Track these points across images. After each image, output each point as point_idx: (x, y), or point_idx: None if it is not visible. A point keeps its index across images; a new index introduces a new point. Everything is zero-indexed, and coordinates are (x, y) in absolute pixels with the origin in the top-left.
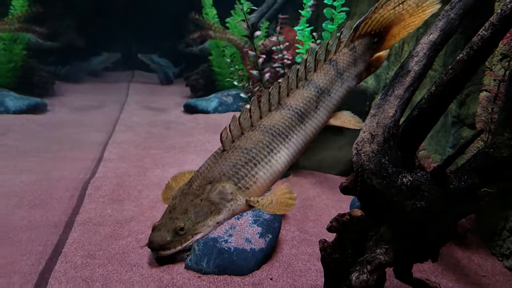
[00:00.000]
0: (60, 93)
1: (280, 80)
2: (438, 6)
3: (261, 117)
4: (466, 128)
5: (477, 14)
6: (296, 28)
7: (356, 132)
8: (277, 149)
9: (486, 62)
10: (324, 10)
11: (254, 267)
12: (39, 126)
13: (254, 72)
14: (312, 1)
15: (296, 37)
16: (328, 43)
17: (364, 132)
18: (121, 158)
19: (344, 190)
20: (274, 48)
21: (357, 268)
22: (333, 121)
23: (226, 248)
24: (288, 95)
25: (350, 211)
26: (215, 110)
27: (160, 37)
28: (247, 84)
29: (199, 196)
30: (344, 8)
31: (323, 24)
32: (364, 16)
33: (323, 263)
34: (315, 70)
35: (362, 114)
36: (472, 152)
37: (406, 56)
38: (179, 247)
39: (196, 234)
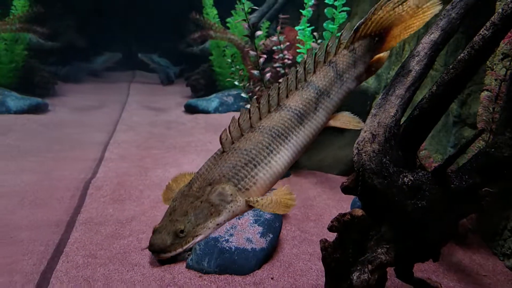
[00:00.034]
0: (61, 93)
1: (280, 80)
2: (439, 7)
3: (260, 119)
4: (467, 128)
5: (478, 14)
6: (297, 27)
7: (357, 131)
8: (276, 150)
9: (488, 62)
10: (325, 10)
11: (255, 266)
12: (40, 126)
13: (255, 72)
14: (313, 1)
15: (297, 37)
16: (327, 45)
17: (365, 132)
18: (122, 158)
19: (345, 189)
20: (274, 48)
21: (358, 268)
22: (333, 122)
23: (227, 248)
24: (287, 96)
25: (351, 211)
26: (216, 110)
27: (160, 37)
28: (247, 84)
29: (199, 198)
30: (345, 8)
31: (324, 24)
32: (364, 18)
33: (324, 262)
34: (314, 72)
35: (363, 114)
36: (473, 151)
37: (407, 55)
38: (180, 250)
39: (197, 236)
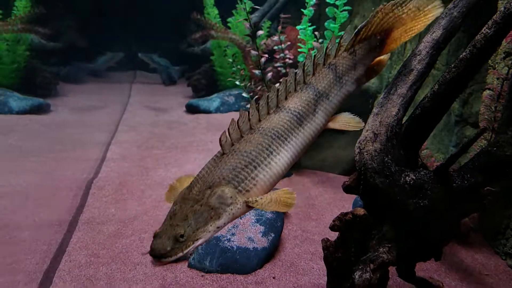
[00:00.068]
0: (63, 94)
1: (280, 81)
2: (440, 10)
3: (259, 120)
4: (469, 127)
5: (480, 12)
6: (298, 27)
7: (358, 131)
8: (276, 151)
9: (489, 61)
10: (327, 9)
11: (256, 266)
12: (42, 127)
13: (256, 71)
14: (314, 0)
15: (298, 36)
16: (327, 47)
17: (367, 131)
18: (123, 158)
19: (347, 189)
20: (276, 47)
21: (360, 267)
22: (332, 125)
23: (229, 247)
24: (286, 98)
25: (353, 210)
26: (217, 110)
27: (160, 37)
28: (249, 84)
29: (199, 201)
30: (346, 7)
31: (326, 23)
32: (365, 21)
33: (326, 262)
34: (313, 74)
35: (364, 113)
36: (475, 150)
37: (408, 54)
38: (180, 254)
39: (197, 240)
